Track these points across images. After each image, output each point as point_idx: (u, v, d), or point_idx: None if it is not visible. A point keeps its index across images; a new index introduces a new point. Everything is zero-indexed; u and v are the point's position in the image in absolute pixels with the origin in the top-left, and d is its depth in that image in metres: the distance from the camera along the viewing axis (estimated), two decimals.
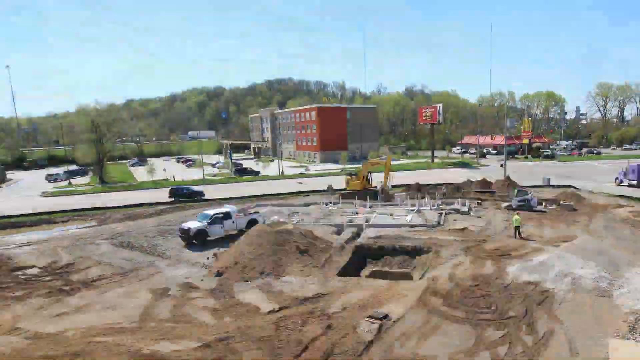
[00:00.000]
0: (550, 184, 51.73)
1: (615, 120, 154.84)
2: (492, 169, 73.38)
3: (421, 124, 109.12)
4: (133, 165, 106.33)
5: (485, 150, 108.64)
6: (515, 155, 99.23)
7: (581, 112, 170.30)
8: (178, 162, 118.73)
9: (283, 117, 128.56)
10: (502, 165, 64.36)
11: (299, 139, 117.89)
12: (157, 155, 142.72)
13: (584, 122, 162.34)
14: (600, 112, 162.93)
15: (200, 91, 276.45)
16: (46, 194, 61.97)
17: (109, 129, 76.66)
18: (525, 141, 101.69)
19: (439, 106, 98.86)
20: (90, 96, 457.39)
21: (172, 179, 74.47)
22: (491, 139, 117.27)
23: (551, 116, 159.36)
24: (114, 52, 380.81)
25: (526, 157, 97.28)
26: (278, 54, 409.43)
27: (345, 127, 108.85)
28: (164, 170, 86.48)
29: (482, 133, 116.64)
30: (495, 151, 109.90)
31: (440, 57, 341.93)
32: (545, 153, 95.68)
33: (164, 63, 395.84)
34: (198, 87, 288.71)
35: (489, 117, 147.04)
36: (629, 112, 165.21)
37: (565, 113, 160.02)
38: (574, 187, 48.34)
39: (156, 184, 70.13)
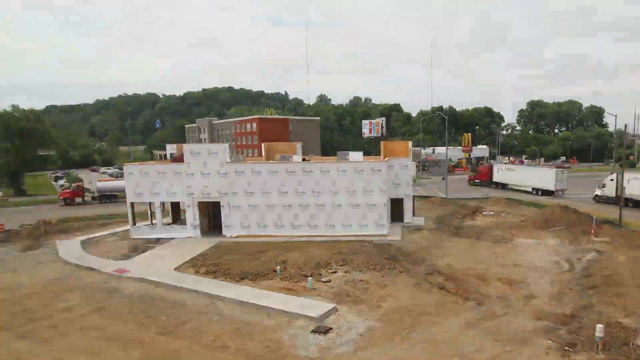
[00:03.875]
0: (489, 196, 55.80)
1: (548, 136, 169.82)
2: (434, 182, 77.60)
3: (365, 136, 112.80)
4: (56, 179, 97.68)
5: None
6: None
7: (516, 128, 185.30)
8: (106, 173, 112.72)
9: (222, 127, 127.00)
10: (443, 179, 68.32)
11: (239, 151, 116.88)
12: (84, 165, 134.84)
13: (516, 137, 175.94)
14: (535, 129, 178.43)
15: (130, 98, 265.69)
16: None
17: (27, 137, 71.55)
18: (466, 155, 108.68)
19: (383, 120, 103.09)
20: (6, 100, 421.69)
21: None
22: (432, 152, 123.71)
23: (488, 131, 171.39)
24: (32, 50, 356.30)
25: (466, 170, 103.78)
26: (216, 61, 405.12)
27: (288, 139, 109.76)
28: (90, 182, 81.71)
29: (424, 147, 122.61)
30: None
31: (385, 70, 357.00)
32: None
33: (90, 67, 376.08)
34: (128, 93, 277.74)
35: (431, 131, 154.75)
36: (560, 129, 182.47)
37: (502, 129, 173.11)
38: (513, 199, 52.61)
39: None
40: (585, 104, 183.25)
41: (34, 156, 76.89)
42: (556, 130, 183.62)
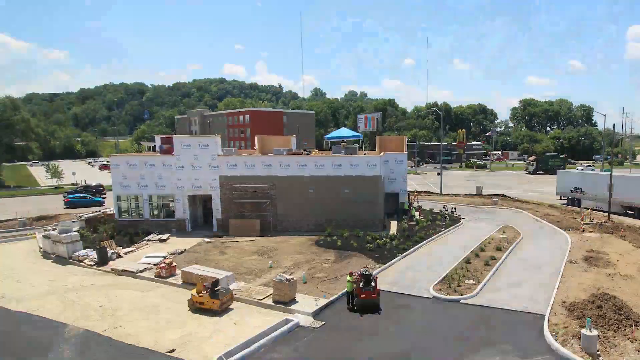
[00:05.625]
0: (482, 193, 55.91)
1: (540, 134, 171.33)
2: (428, 177, 77.79)
3: (360, 131, 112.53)
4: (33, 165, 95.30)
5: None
6: (451, 165, 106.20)
7: (509, 125, 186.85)
8: (93, 165, 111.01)
9: (214, 119, 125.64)
10: (438, 174, 68.46)
11: (231, 144, 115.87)
12: (65, 156, 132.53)
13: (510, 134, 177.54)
14: (527, 127, 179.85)
15: (117, 88, 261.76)
16: None
17: (2, 126, 69.38)
18: (460, 151, 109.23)
19: (378, 115, 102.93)
20: None
21: (84, 183, 69.64)
22: (427, 148, 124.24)
23: (482, 128, 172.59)
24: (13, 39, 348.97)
25: (461, 167, 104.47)
26: (208, 52, 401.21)
27: (282, 132, 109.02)
28: (73, 173, 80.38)
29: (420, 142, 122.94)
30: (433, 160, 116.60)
31: (379, 65, 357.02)
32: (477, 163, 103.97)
33: (73, 55, 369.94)
34: (115, 82, 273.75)
35: (426, 126, 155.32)
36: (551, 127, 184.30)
37: (495, 126, 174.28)
38: (504, 195, 52.80)
39: (61, 189, 65.32)
40: (576, 102, 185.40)
41: (12, 146, 74.68)
42: (548, 128, 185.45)
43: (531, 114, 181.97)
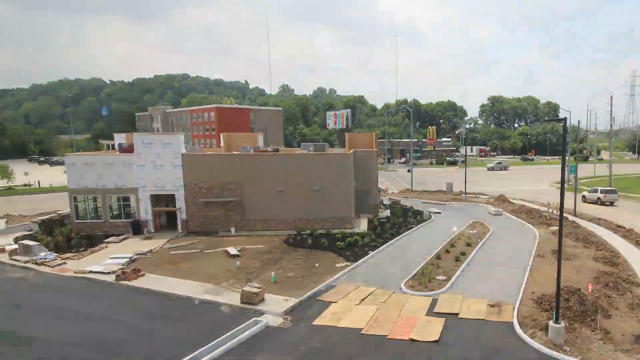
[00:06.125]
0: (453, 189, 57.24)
1: (508, 130, 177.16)
2: (399, 175, 79.06)
3: (329, 128, 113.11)
4: None
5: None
6: (421, 161, 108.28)
7: (478, 122, 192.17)
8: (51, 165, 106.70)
9: (177, 117, 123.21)
10: (408, 171, 69.65)
11: (196, 142, 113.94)
12: (16, 155, 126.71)
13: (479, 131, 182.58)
14: (496, 123, 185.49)
15: (72, 83, 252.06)
16: None
17: None
18: (430, 148, 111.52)
19: (348, 111, 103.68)
20: None
21: (37, 185, 66.90)
22: (397, 145, 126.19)
23: (452, 126, 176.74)
24: None
25: (431, 163, 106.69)
26: (172, 47, 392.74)
27: (249, 129, 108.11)
28: (26, 173, 76.86)
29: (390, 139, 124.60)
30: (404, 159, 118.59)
31: (349, 62, 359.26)
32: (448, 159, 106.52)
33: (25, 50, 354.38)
34: (70, 78, 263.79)
35: (396, 123, 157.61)
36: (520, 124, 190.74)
37: (465, 123, 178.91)
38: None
39: (11, 191, 62.52)
40: (542, 99, 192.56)
41: None
42: (516, 125, 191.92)
43: (499, 111, 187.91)
